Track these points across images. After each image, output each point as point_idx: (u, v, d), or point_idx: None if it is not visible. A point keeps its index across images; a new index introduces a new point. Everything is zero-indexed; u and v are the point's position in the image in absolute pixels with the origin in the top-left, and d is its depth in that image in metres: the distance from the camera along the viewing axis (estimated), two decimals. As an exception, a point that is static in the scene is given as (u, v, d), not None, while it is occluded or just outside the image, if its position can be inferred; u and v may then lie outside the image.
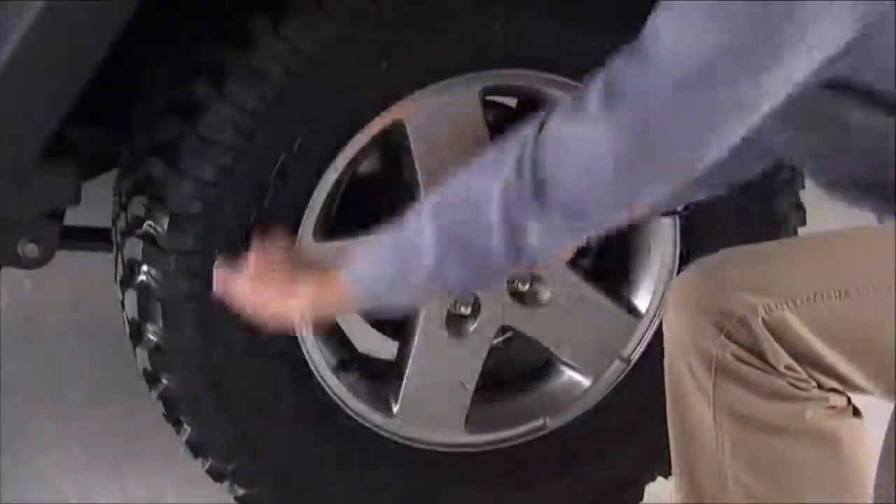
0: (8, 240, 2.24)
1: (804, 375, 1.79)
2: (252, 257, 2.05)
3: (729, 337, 1.78)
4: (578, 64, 2.27)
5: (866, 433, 1.87)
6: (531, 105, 2.44)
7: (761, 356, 1.78)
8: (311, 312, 2.00)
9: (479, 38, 2.21)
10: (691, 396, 1.83)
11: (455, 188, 1.82)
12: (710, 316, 1.79)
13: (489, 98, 2.33)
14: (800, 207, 2.46)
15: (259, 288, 2.01)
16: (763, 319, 1.77)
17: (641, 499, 2.60)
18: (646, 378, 2.47)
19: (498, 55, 2.24)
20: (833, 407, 1.82)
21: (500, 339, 2.47)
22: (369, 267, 1.90)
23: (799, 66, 1.63)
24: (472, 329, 2.38)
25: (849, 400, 1.84)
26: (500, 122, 2.41)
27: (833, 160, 1.89)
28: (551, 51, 2.26)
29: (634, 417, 2.50)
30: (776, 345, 1.78)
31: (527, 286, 2.39)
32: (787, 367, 1.78)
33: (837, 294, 1.78)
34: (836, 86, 1.72)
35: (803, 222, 2.47)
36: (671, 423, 1.89)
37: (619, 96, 1.66)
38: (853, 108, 1.76)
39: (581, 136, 1.69)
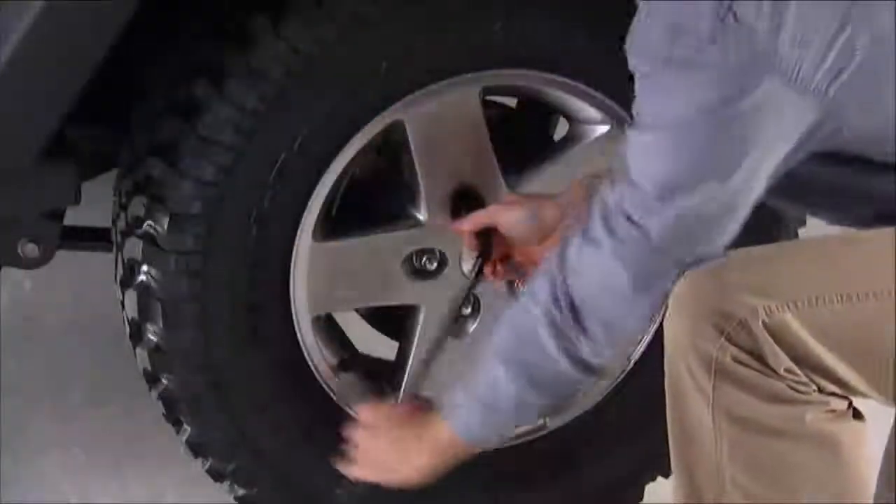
0: (8, 240, 2.24)
1: (804, 379, 1.78)
2: (357, 432, 2.08)
3: (729, 339, 1.78)
4: (578, 64, 2.28)
5: (868, 436, 1.86)
6: (531, 105, 2.45)
7: (761, 359, 1.78)
8: (431, 473, 2.03)
9: (479, 38, 2.21)
10: (690, 398, 1.83)
11: (504, 335, 1.89)
12: (711, 318, 1.79)
13: (489, 98, 2.33)
14: (800, 207, 2.46)
15: (375, 464, 2.06)
16: (763, 322, 1.77)
17: (641, 499, 2.60)
18: (646, 378, 2.47)
19: (498, 55, 2.24)
20: (833, 410, 1.81)
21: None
22: (465, 423, 1.94)
23: (765, 161, 1.71)
24: (472, 329, 2.38)
25: (850, 403, 1.83)
26: (500, 122, 2.41)
27: (840, 210, 1.94)
28: (551, 51, 2.26)
29: (634, 417, 2.50)
30: (776, 347, 1.77)
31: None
32: (787, 371, 1.78)
33: (839, 298, 1.78)
34: (828, 156, 1.77)
35: (803, 222, 2.46)
36: (670, 424, 1.88)
37: (615, 218, 1.75)
38: (862, 174, 1.82)
39: (594, 261, 1.78)
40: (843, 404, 1.82)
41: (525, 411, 1.92)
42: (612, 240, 1.76)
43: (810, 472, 1.82)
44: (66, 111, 2.07)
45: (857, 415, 1.85)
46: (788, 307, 1.77)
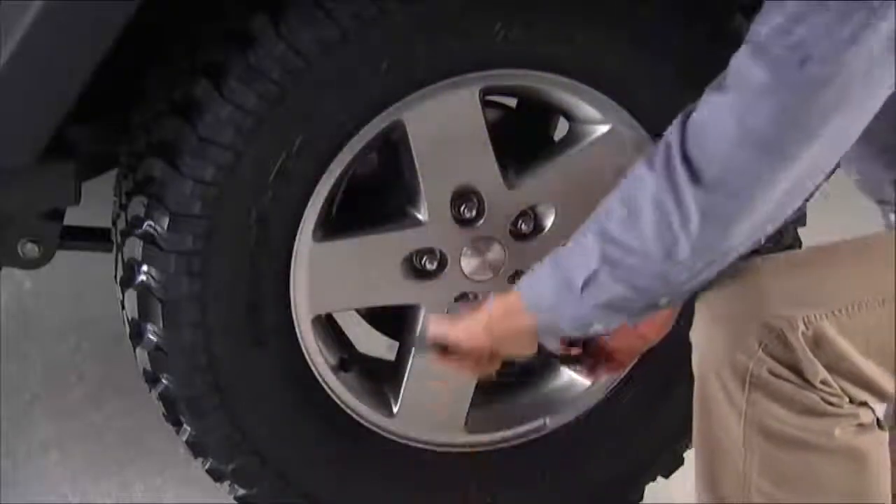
0: (8, 240, 2.24)
1: (838, 391, 1.77)
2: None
3: (766, 351, 1.76)
4: (578, 64, 2.28)
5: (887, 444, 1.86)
6: (531, 105, 2.45)
7: (798, 371, 1.76)
8: (488, 335, 1.98)
9: (479, 38, 2.21)
10: (721, 410, 1.80)
11: (611, 197, 1.80)
12: (749, 331, 1.76)
13: (489, 98, 2.33)
14: (799, 207, 2.45)
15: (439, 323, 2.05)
16: (802, 332, 1.74)
17: (641, 499, 2.60)
18: (646, 378, 2.47)
19: (498, 55, 2.24)
20: (861, 424, 1.80)
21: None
22: (534, 279, 1.89)
23: None
24: (472, 329, 2.38)
25: (874, 413, 1.83)
26: (500, 122, 2.41)
27: None
28: (551, 51, 2.26)
29: (634, 417, 2.50)
30: (814, 359, 1.75)
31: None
32: (823, 382, 1.76)
33: (877, 303, 1.76)
34: None
35: (803, 222, 2.46)
36: (696, 433, 1.86)
37: (773, 43, 1.65)
38: None
39: (736, 101, 1.67)
40: (869, 416, 1.81)
41: (594, 294, 1.79)
42: (764, 69, 1.64)
43: (837, 484, 1.81)
44: (66, 111, 2.07)
45: (881, 425, 1.84)
46: (827, 316, 1.75)
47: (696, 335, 1.83)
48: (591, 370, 2.17)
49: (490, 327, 1.97)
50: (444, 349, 2.04)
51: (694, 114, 1.72)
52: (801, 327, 1.75)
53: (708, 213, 1.70)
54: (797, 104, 1.66)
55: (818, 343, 1.75)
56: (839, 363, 1.76)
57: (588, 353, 2.12)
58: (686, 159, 1.70)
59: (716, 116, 1.69)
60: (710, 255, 1.75)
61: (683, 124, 1.72)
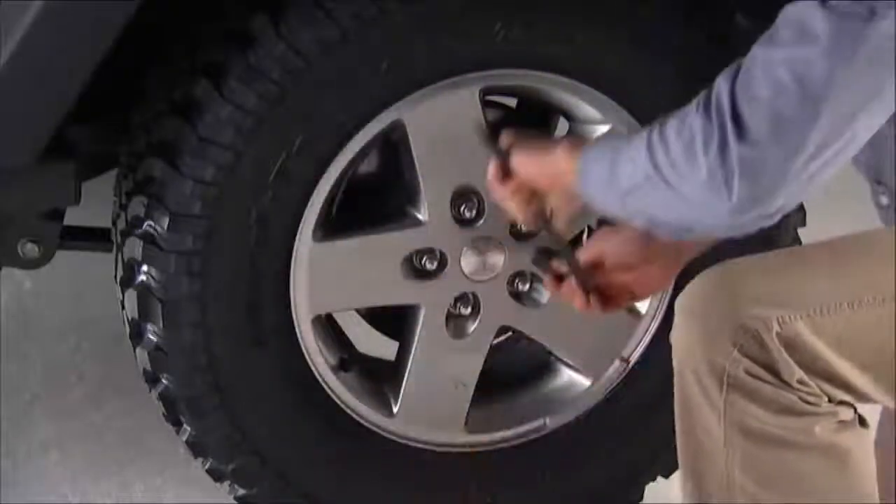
0: (8, 240, 2.24)
1: (816, 390, 1.77)
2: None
3: (742, 352, 1.76)
4: (578, 64, 2.28)
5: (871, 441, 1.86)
6: (531, 105, 2.45)
7: (774, 371, 1.76)
8: (541, 175, 1.99)
9: (479, 38, 2.21)
10: (702, 410, 1.81)
11: (669, 125, 1.75)
12: (724, 331, 1.77)
13: (489, 98, 2.33)
14: (800, 207, 2.46)
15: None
16: (777, 333, 1.75)
17: (641, 499, 2.60)
18: (646, 378, 2.47)
19: (498, 55, 2.24)
20: (842, 421, 1.80)
21: (500, 339, 2.47)
22: (593, 157, 1.87)
23: None
24: (472, 329, 2.38)
25: (855, 410, 1.83)
26: (500, 122, 2.41)
27: None
28: (551, 51, 2.26)
29: (634, 417, 2.50)
30: (789, 359, 1.76)
31: (527, 286, 2.40)
32: (800, 382, 1.77)
33: (851, 304, 1.77)
34: None
35: (803, 222, 2.46)
36: (679, 434, 1.87)
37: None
38: None
39: (792, 54, 1.63)
40: (850, 413, 1.81)
41: (635, 203, 1.78)
42: (827, 21, 1.59)
43: (819, 481, 1.81)
44: (66, 111, 2.07)
45: (863, 422, 1.84)
46: (801, 316, 1.76)
47: (675, 335, 1.84)
48: (583, 301, 2.14)
49: (545, 170, 1.98)
50: (506, 174, 2.05)
51: (744, 67, 1.67)
52: (776, 328, 1.75)
53: (755, 170, 1.66)
54: (857, 59, 1.61)
55: (793, 343, 1.76)
56: (814, 363, 1.76)
57: (583, 281, 2.12)
58: (735, 117, 1.66)
59: (768, 70, 1.65)
60: (755, 212, 1.70)
61: (733, 81, 1.68)
